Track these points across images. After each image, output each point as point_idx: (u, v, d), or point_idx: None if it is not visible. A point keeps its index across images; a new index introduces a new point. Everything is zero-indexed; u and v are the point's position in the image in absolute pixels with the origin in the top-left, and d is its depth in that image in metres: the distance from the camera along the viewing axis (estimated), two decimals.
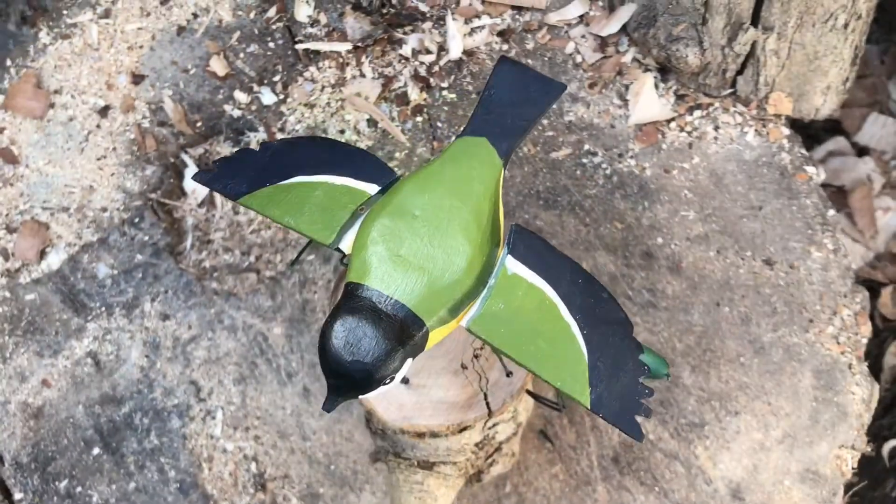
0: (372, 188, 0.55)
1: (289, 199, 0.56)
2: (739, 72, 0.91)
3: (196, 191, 0.98)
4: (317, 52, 0.99)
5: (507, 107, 0.57)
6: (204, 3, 1.02)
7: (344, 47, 0.98)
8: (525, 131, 0.57)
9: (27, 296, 0.94)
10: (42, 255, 0.95)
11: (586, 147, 0.94)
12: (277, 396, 0.91)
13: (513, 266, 0.53)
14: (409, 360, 0.51)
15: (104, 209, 0.97)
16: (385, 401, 0.66)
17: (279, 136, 0.99)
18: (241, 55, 1.00)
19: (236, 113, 0.99)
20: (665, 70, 0.94)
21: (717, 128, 0.93)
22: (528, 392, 0.69)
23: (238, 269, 0.95)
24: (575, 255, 0.90)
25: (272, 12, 1.01)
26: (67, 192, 0.97)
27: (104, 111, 0.99)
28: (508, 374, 0.66)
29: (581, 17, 0.97)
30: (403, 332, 0.49)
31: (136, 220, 0.96)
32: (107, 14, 1.02)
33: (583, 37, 0.97)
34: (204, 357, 0.92)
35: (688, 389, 0.86)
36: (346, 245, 0.54)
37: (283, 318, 0.93)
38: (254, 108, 0.99)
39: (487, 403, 0.65)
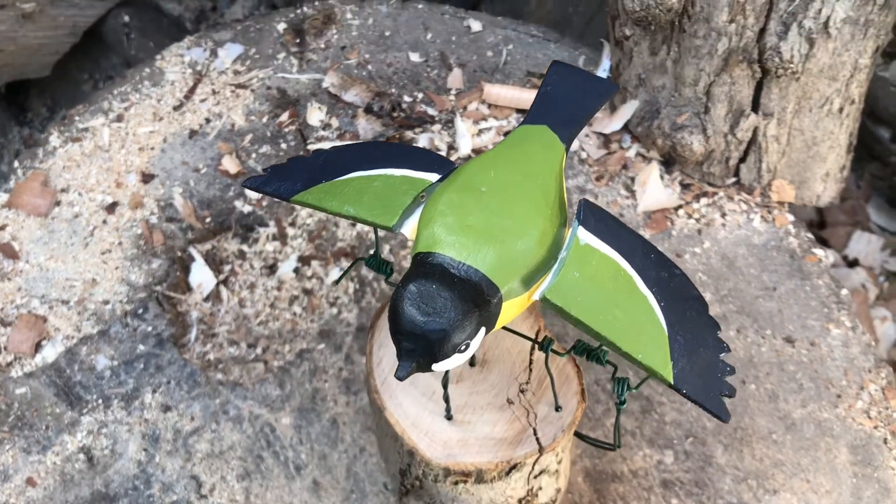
0: (432, 177, 0.54)
1: (346, 191, 0.55)
2: (742, 159, 0.94)
3: (202, 285, 0.96)
4: None
5: (563, 101, 0.58)
6: (217, 108, 1.04)
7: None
8: (583, 121, 0.58)
9: (17, 390, 0.88)
10: (37, 348, 0.91)
11: None
12: (285, 492, 0.84)
13: (585, 237, 0.52)
14: (483, 331, 0.48)
15: (106, 301, 0.93)
16: (428, 438, 0.62)
17: (290, 230, 0.98)
18: (254, 155, 1.02)
19: (247, 209, 0.99)
20: (669, 162, 0.98)
21: (723, 215, 0.95)
22: (577, 434, 0.66)
23: (244, 360, 0.92)
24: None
25: (284, 117, 1.03)
26: (68, 286, 0.94)
27: (111, 207, 0.99)
28: (558, 408, 0.63)
29: None
30: (478, 294, 0.47)
31: (140, 311, 0.93)
32: (119, 119, 1.04)
33: (586, 136, 1.00)
34: (206, 450, 0.86)
35: (722, 469, 0.83)
36: (409, 229, 0.53)
37: (291, 407, 0.88)
38: (265, 203, 0.99)
39: (537, 439, 0.62)
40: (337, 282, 0.81)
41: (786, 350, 0.88)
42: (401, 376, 0.47)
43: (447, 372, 0.60)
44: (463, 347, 0.48)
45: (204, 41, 1.09)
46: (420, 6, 1.12)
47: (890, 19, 0.87)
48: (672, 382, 0.48)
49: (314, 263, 0.97)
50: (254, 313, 0.94)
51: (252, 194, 0.99)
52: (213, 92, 1.06)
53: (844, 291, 0.92)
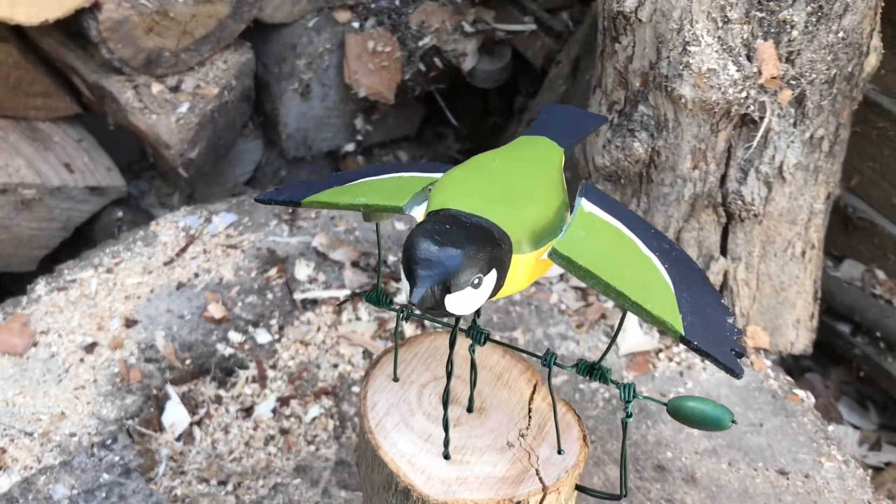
0: (440, 175, 0.57)
1: (358, 188, 0.57)
2: None
3: (175, 424, 0.93)
4: (314, 302, 1.03)
5: (558, 123, 0.62)
6: (206, 265, 1.07)
7: (342, 293, 1.02)
8: (577, 137, 0.62)
9: None
10: None
11: (580, 377, 0.95)
12: None
13: (588, 207, 0.54)
14: (495, 274, 0.48)
15: (73, 434, 0.89)
16: (424, 475, 0.58)
17: (270, 372, 0.97)
18: (239, 304, 1.03)
19: (228, 351, 0.98)
20: None
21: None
22: (578, 487, 0.62)
23: (215, 496, 0.86)
24: (586, 471, 0.86)
25: (273, 272, 1.06)
26: (34, 419, 0.90)
27: (90, 347, 0.97)
28: (560, 451, 0.60)
29: (561, 275, 1.06)
30: (489, 235, 0.48)
31: (108, 441, 0.88)
32: (108, 271, 1.06)
33: (564, 290, 1.04)
34: None
35: None
36: (418, 213, 0.54)
37: None
38: (247, 346, 0.99)
39: (540, 479, 0.58)
40: (339, 304, 0.77)
41: (780, 482, 0.86)
42: (415, 301, 0.46)
43: (447, 407, 0.58)
44: (476, 281, 0.48)
45: (199, 210, 1.15)
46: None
47: (836, 168, 0.96)
48: (683, 334, 0.48)
49: (293, 403, 0.94)
50: (227, 451, 0.90)
51: (235, 337, 0.99)
52: (204, 251, 1.09)
53: (831, 428, 0.91)
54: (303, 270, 1.06)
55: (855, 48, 0.89)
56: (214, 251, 1.09)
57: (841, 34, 0.87)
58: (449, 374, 0.59)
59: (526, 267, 0.52)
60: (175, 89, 1.31)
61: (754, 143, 0.91)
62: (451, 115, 1.56)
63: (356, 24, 1.42)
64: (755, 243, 0.96)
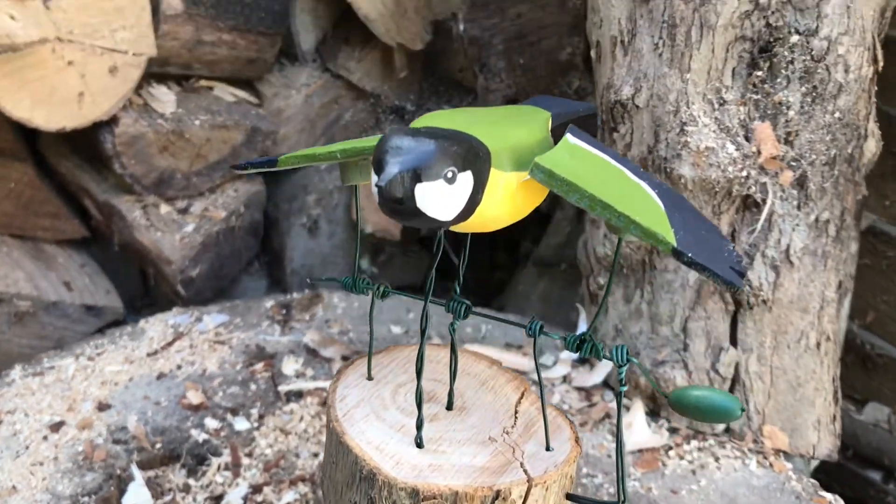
0: None
1: (337, 145, 0.55)
2: None
3: None
4: (299, 394, 0.97)
5: (545, 102, 0.61)
6: (191, 358, 1.03)
7: (328, 384, 0.97)
8: (566, 114, 0.60)
9: None
10: None
11: (585, 470, 0.87)
12: None
13: (574, 140, 0.51)
14: (471, 176, 0.45)
15: None
16: (393, 461, 0.51)
17: (245, 460, 0.90)
18: (220, 393, 0.97)
19: (202, 437, 0.91)
20: (654, 410, 0.94)
21: (717, 459, 0.89)
22: (569, 496, 0.54)
23: None
24: None
25: (259, 366, 1.01)
26: None
27: (56, 426, 0.91)
28: (549, 448, 0.53)
29: (564, 377, 1.00)
30: (466, 138, 0.45)
31: None
32: (89, 359, 1.02)
33: (567, 391, 0.98)
34: None
35: None
36: None
37: None
38: (223, 433, 0.92)
39: (525, 471, 0.51)
40: (310, 282, 0.71)
41: None
42: (382, 183, 0.42)
43: (420, 388, 0.53)
44: (449, 175, 0.44)
45: (191, 311, 1.12)
46: (404, 298, 1.17)
47: (845, 256, 0.93)
48: (675, 245, 0.44)
49: (266, 490, 0.86)
50: None
51: (212, 424, 0.93)
52: (191, 346, 1.05)
53: None
54: (290, 366, 1.01)
55: (853, 129, 0.89)
56: (201, 346, 1.05)
57: (837, 114, 0.88)
58: (423, 332, 0.53)
59: (506, 187, 0.49)
60: (183, 211, 1.32)
61: (758, 226, 0.89)
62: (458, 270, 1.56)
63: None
64: (766, 333, 0.91)
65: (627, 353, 0.50)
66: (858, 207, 0.95)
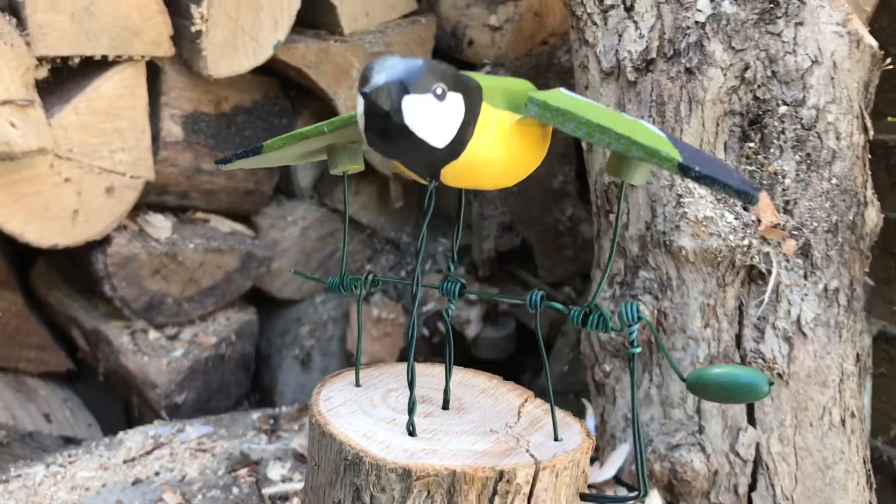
0: None
1: (321, 123, 0.53)
2: (752, 486, 0.84)
3: None
4: (285, 497, 0.90)
5: None
6: (171, 465, 0.96)
7: None
8: None
9: None
10: None
11: None
12: None
13: (567, 91, 0.49)
14: (461, 99, 0.43)
15: None
16: (382, 445, 0.46)
17: None
18: (200, 496, 0.90)
19: None
20: (672, 502, 0.86)
21: None
22: (584, 496, 0.48)
23: None
24: None
25: (243, 472, 0.94)
26: None
27: None
28: (557, 438, 0.48)
29: None
30: (456, 69, 0.44)
31: None
32: (61, 466, 0.95)
33: None
34: None
35: None
36: None
37: None
38: None
39: (532, 455, 0.46)
40: (296, 272, 0.65)
41: None
42: (368, 90, 0.40)
43: (413, 366, 0.48)
44: (439, 90, 0.42)
45: (173, 423, 1.06)
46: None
47: (859, 328, 0.89)
48: (681, 160, 0.41)
49: None
50: None
51: None
52: (171, 454, 0.98)
53: None
54: (276, 471, 0.94)
55: (851, 195, 0.88)
56: (182, 454, 0.98)
57: (834, 181, 0.87)
58: (415, 297, 0.49)
59: (500, 125, 0.46)
60: (172, 338, 1.29)
61: (766, 297, 0.86)
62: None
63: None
64: (786, 410, 0.85)
65: (638, 310, 0.46)
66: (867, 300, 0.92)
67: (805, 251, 0.87)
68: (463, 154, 0.46)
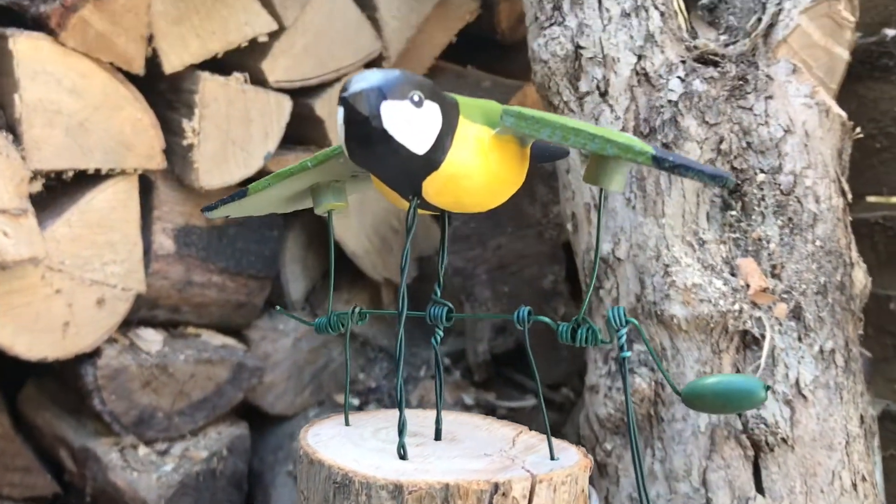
0: None
1: (305, 159, 0.54)
2: None
3: None
4: None
5: None
6: None
7: None
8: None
9: None
10: None
11: None
12: None
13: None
14: (437, 108, 0.44)
15: None
16: (373, 468, 0.44)
17: None
18: None
19: None
20: None
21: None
22: None
23: None
24: None
25: None
26: None
27: None
28: (553, 458, 0.46)
29: None
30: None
31: None
32: None
33: None
34: None
35: None
36: None
37: None
38: None
39: (528, 470, 0.44)
40: (281, 311, 0.62)
41: None
42: (347, 94, 0.41)
43: (402, 380, 0.47)
44: (416, 97, 0.43)
45: None
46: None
47: (860, 388, 0.87)
48: (654, 153, 0.41)
49: None
50: None
51: None
52: None
53: None
54: None
55: (836, 256, 0.89)
56: None
57: (818, 243, 0.88)
58: (401, 314, 0.48)
59: (478, 139, 0.47)
60: (163, 453, 1.25)
61: (762, 362, 0.85)
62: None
63: (356, 402, 1.41)
64: (794, 477, 0.82)
65: (625, 314, 0.45)
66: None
67: (797, 314, 0.87)
68: (443, 165, 0.47)
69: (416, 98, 0.46)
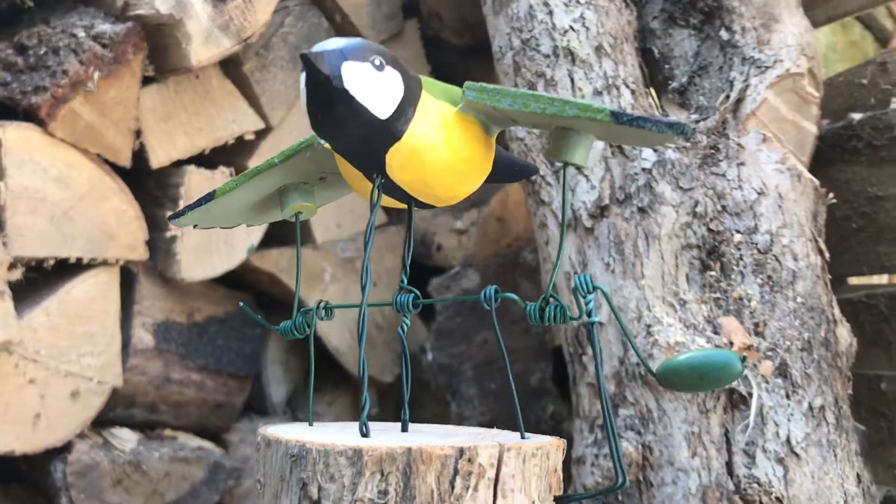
0: None
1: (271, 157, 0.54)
2: None
3: None
4: None
5: None
6: None
7: None
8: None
9: None
10: None
11: None
12: None
13: None
14: (398, 76, 0.44)
15: None
16: (331, 441, 0.42)
17: None
18: None
19: None
20: None
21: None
22: (558, 498, 0.43)
23: None
24: None
25: None
26: None
27: None
28: (524, 436, 0.44)
29: None
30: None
31: None
32: None
33: None
34: None
35: None
36: None
37: None
38: None
39: (498, 443, 0.42)
40: (243, 306, 0.57)
41: None
42: (308, 53, 0.41)
43: (363, 356, 0.45)
44: (377, 62, 0.43)
45: None
46: None
47: (853, 447, 0.85)
48: (611, 110, 0.41)
49: None
50: None
51: None
52: None
53: None
54: None
55: (819, 312, 0.88)
56: None
57: (799, 299, 0.88)
58: (364, 288, 0.47)
59: (441, 115, 0.48)
60: None
61: (751, 420, 0.83)
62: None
63: None
64: None
65: (591, 280, 0.44)
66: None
67: (783, 371, 0.85)
68: (406, 135, 0.47)
69: (377, 62, 0.47)
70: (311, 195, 0.57)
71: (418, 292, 0.50)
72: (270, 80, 1.32)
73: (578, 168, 0.47)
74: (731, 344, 0.86)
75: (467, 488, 0.39)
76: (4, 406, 1.11)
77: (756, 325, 0.87)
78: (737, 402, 0.84)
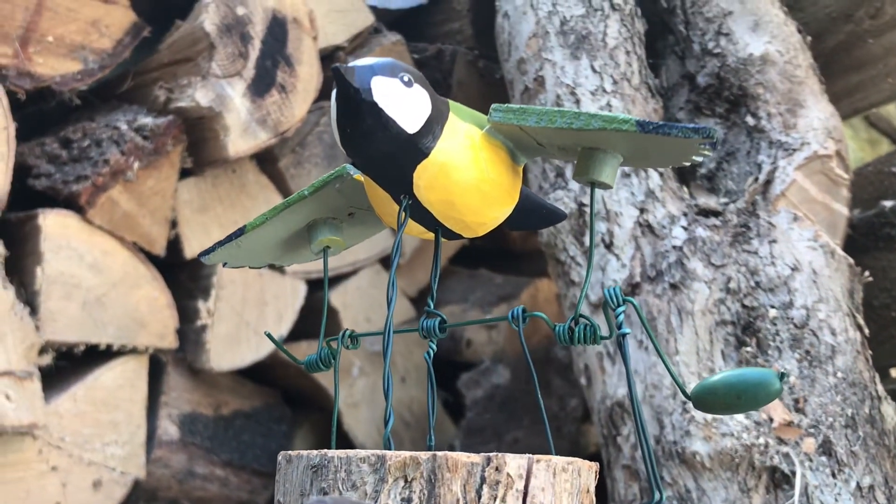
0: None
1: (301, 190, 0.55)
2: None
3: None
4: None
5: None
6: None
7: None
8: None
9: None
10: None
11: None
12: None
13: None
14: (426, 94, 0.45)
15: None
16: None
17: None
18: None
19: None
20: None
21: None
22: None
23: None
24: None
25: None
26: None
27: None
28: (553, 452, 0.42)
29: None
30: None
31: None
32: None
33: None
34: None
35: None
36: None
37: None
38: None
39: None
40: (269, 335, 0.54)
41: None
42: (339, 66, 0.42)
43: (388, 372, 0.44)
44: (406, 78, 0.44)
45: None
46: None
47: None
48: (637, 120, 0.41)
49: None
50: None
51: None
52: None
53: None
54: None
55: (861, 388, 0.85)
56: None
57: (840, 374, 0.85)
58: (390, 303, 0.46)
59: (468, 136, 0.48)
60: None
61: (795, 501, 0.79)
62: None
63: None
64: None
65: (622, 292, 0.43)
66: None
67: (827, 449, 0.81)
68: (434, 152, 0.48)
69: (405, 79, 0.48)
70: (341, 230, 0.58)
71: (444, 317, 0.49)
72: (305, 177, 1.35)
73: (605, 187, 0.47)
74: (771, 420, 0.83)
75: (494, 498, 0.37)
76: (25, 493, 1.09)
77: (796, 401, 0.84)
78: (779, 481, 0.81)
